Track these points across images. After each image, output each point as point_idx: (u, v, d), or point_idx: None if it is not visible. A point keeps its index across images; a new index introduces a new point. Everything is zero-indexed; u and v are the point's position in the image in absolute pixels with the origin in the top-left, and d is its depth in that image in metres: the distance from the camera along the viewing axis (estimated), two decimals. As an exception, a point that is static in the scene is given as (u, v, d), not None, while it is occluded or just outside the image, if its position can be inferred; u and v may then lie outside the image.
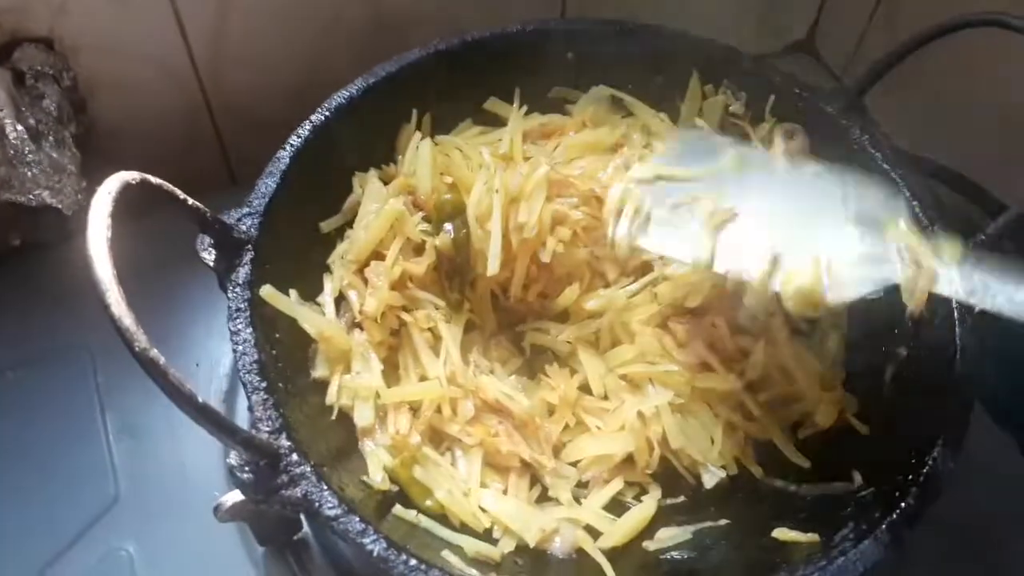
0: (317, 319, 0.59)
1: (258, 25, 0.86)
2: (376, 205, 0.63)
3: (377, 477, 0.56)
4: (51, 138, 0.78)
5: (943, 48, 0.63)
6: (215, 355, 0.74)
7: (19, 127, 0.76)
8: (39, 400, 0.71)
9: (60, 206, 0.77)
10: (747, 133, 0.71)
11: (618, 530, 0.57)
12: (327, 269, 0.63)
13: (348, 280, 0.62)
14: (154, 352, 0.40)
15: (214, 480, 0.68)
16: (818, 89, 0.69)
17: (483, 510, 0.57)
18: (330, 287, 0.62)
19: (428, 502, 0.57)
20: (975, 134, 0.84)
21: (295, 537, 0.66)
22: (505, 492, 0.59)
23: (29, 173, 0.76)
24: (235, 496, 0.57)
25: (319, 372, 0.59)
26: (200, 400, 0.42)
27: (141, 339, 0.40)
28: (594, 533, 0.58)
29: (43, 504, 0.66)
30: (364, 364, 0.59)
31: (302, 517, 0.66)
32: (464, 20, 0.86)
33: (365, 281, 0.62)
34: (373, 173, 0.66)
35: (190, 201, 0.52)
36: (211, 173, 0.94)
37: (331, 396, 0.58)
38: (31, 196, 0.76)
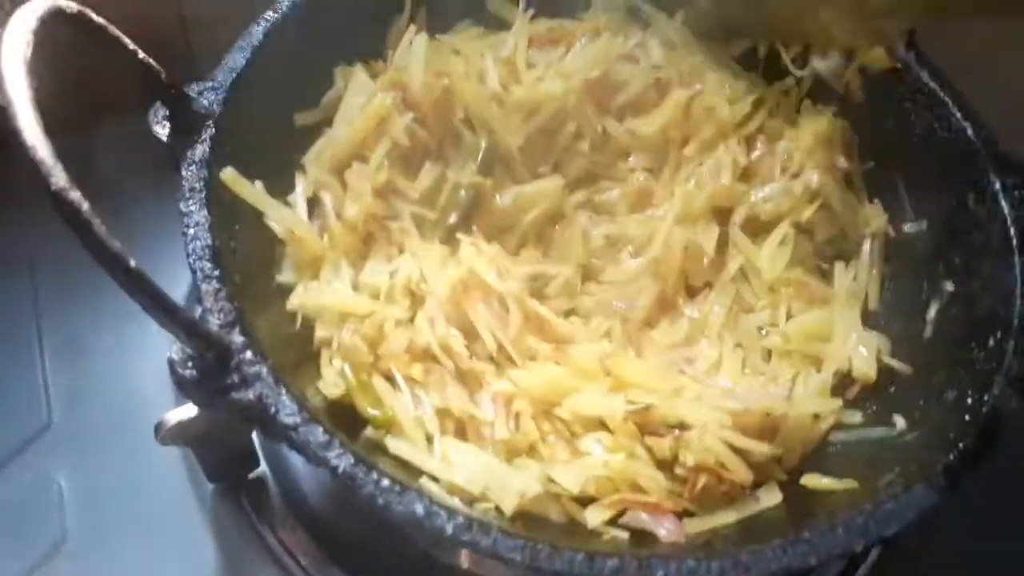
0: (287, 215, 0.51)
1: None
2: (361, 99, 0.56)
3: (329, 381, 0.47)
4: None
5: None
6: (172, 283, 0.65)
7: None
8: (-34, 314, 0.63)
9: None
10: (778, 51, 0.63)
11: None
12: (300, 167, 0.55)
13: (324, 180, 0.54)
14: (76, 194, 0.32)
15: (163, 407, 0.58)
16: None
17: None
18: (303, 187, 0.54)
19: (375, 411, 0.47)
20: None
21: (251, 476, 0.58)
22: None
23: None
24: (180, 414, 0.49)
25: (284, 277, 0.51)
26: (132, 263, 0.34)
27: (60, 176, 0.32)
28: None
29: (-36, 425, 0.58)
30: (335, 272, 0.51)
31: (260, 454, 0.58)
32: None
33: (343, 184, 0.54)
34: (360, 67, 0.58)
35: (141, 54, 0.44)
36: (166, 40, 0.81)
37: (292, 303, 0.50)
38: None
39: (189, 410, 0.49)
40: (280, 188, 0.53)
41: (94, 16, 0.41)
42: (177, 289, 0.63)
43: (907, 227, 0.59)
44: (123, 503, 0.56)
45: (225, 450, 0.54)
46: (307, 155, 0.55)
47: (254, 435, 0.57)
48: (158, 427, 0.49)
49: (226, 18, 0.55)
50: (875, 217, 0.59)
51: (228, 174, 0.48)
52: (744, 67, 0.63)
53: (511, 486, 0.44)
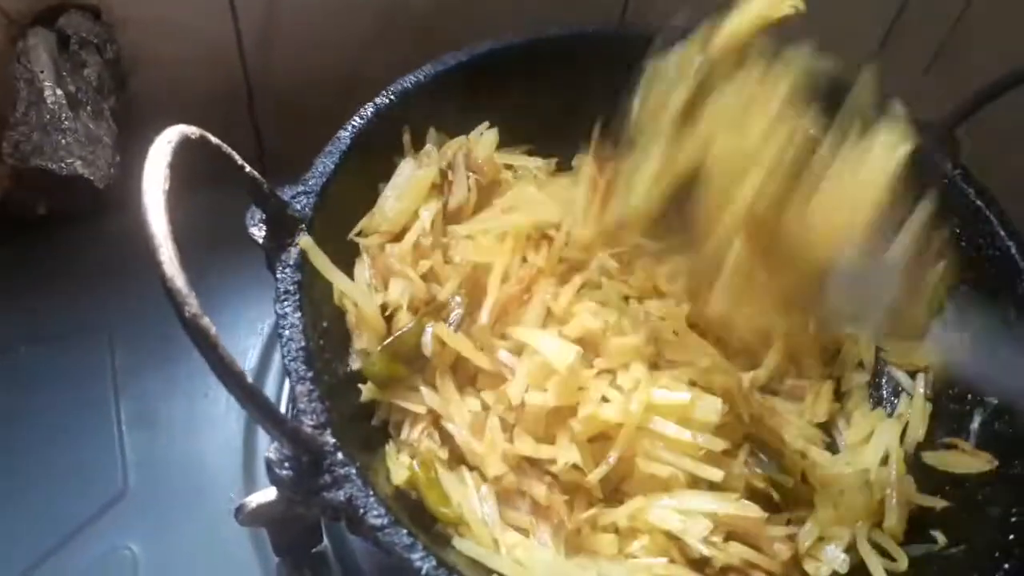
0: (351, 287, 0.54)
1: (310, 13, 0.82)
2: (409, 172, 0.59)
3: (396, 471, 0.50)
4: (89, 108, 0.75)
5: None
6: (241, 346, 0.69)
7: (58, 91, 0.72)
8: (50, 380, 0.66)
9: (92, 177, 0.73)
10: (827, 160, 0.67)
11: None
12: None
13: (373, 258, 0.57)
14: (206, 320, 0.36)
15: (231, 480, 0.63)
16: (908, 118, 0.65)
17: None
18: (364, 262, 0.57)
19: (444, 509, 0.50)
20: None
21: (313, 550, 0.61)
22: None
23: (63, 141, 0.72)
24: (260, 498, 0.52)
25: (358, 345, 0.54)
26: (250, 381, 0.37)
27: (193, 304, 0.35)
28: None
29: (45, 491, 0.61)
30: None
31: (324, 530, 0.61)
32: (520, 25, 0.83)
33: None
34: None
35: (247, 168, 0.48)
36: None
37: (366, 391, 0.53)
38: (63, 164, 0.72)
39: (268, 494, 0.52)
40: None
41: (211, 136, 0.45)
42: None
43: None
44: (194, 573, 0.59)
45: (295, 528, 0.57)
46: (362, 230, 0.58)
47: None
48: (239, 510, 0.52)
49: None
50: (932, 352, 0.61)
51: (306, 242, 0.51)
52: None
53: None
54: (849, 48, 0.93)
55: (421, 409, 0.53)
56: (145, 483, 0.62)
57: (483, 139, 0.64)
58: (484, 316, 0.55)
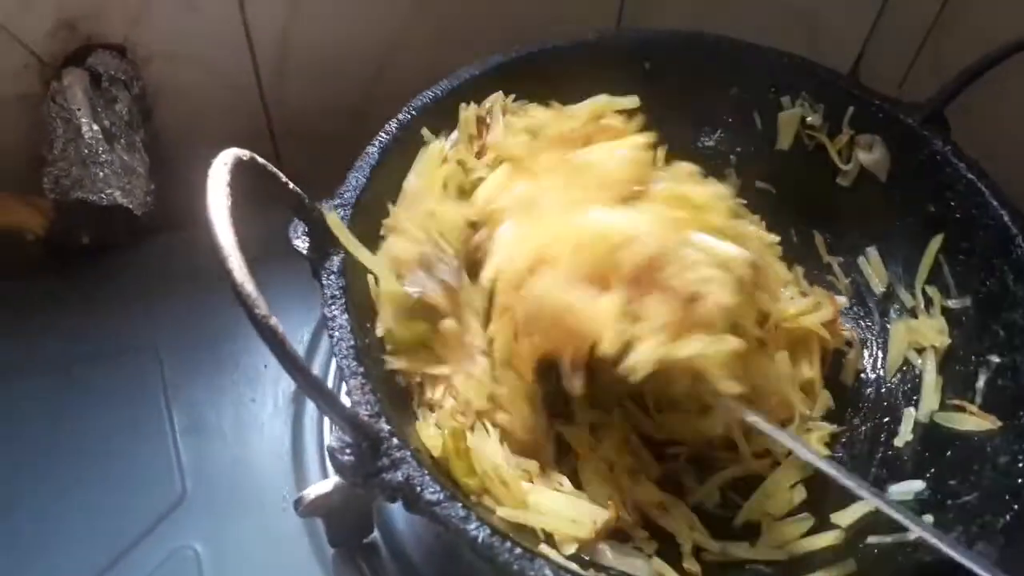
0: (373, 260, 0.56)
1: (323, 40, 0.87)
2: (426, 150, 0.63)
3: (430, 443, 0.53)
4: (123, 141, 0.79)
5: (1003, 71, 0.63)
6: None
7: (95, 127, 0.77)
8: (105, 397, 0.70)
9: (131, 206, 0.78)
10: (824, 145, 0.71)
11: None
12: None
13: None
14: (274, 321, 0.39)
15: (282, 478, 0.67)
16: (897, 101, 0.69)
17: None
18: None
19: (468, 480, 0.53)
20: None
21: (365, 540, 0.64)
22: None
23: (101, 173, 0.77)
24: (317, 489, 0.56)
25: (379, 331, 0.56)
26: (313, 373, 0.41)
27: (262, 306, 0.39)
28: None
29: (109, 501, 0.65)
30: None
31: (374, 522, 0.64)
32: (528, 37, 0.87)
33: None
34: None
35: (291, 185, 0.52)
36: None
37: (391, 364, 0.56)
38: (103, 195, 0.77)
39: (324, 486, 0.56)
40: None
41: (258, 158, 0.49)
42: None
43: (952, 303, 0.65)
44: (255, 566, 0.63)
45: (349, 518, 0.60)
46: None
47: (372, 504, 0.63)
48: (298, 502, 0.56)
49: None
50: (937, 331, 0.64)
51: (332, 218, 0.54)
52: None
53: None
54: (839, 41, 0.99)
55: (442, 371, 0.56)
56: (202, 486, 0.66)
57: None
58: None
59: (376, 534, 0.65)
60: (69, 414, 0.69)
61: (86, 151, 0.76)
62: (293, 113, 0.92)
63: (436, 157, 0.62)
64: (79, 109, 0.76)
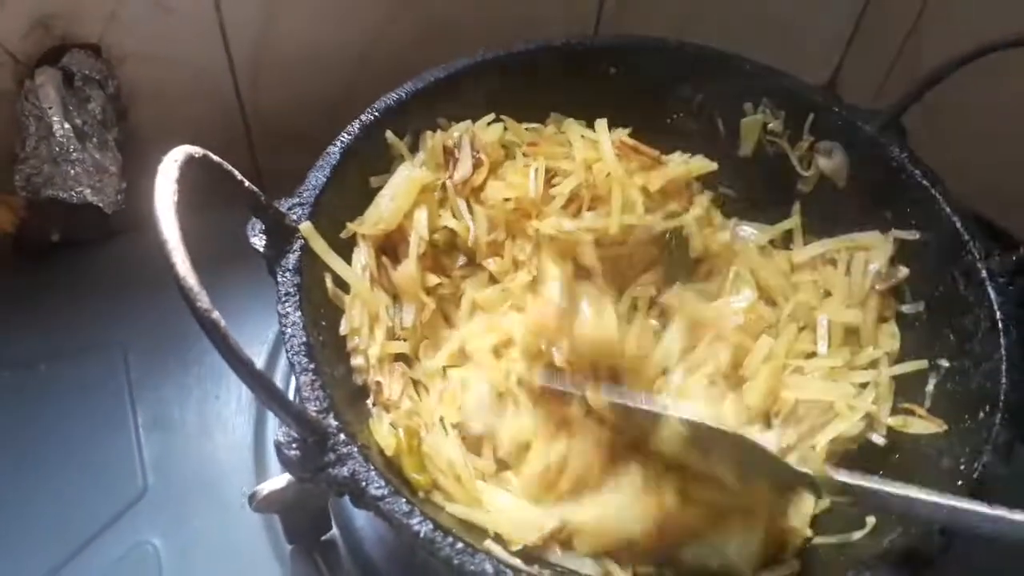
0: (347, 271, 0.58)
1: (299, 40, 0.88)
2: (405, 174, 0.63)
3: (383, 440, 0.54)
4: (95, 139, 0.80)
5: (968, 78, 0.64)
6: (248, 352, 0.73)
7: (66, 125, 0.77)
8: (71, 393, 0.71)
9: (101, 204, 0.78)
10: (785, 151, 0.72)
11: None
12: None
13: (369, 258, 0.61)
14: (216, 314, 0.40)
15: (243, 475, 0.68)
16: (856, 109, 0.70)
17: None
18: (361, 252, 0.61)
19: (418, 476, 0.54)
20: (998, 169, 0.85)
21: (323, 537, 0.65)
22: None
23: (72, 171, 0.77)
24: (271, 485, 0.57)
25: (343, 329, 0.58)
26: (257, 368, 0.42)
27: (204, 300, 0.40)
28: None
29: (71, 494, 0.66)
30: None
31: (332, 517, 0.65)
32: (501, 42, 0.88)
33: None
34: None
35: (247, 183, 0.52)
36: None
37: (354, 362, 0.58)
38: (73, 193, 0.77)
39: (278, 482, 0.57)
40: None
41: (212, 155, 0.49)
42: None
43: (906, 308, 0.66)
44: (213, 562, 0.63)
45: (305, 515, 0.61)
46: (361, 226, 0.62)
47: (329, 502, 0.64)
48: (252, 497, 0.57)
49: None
50: (889, 338, 0.65)
51: (306, 227, 0.56)
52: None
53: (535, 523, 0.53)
54: (817, 52, 1.00)
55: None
56: (163, 482, 0.67)
57: (488, 127, 0.68)
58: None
59: (335, 531, 0.65)
60: (35, 409, 0.70)
61: (57, 149, 0.77)
62: (269, 112, 0.93)
63: (414, 186, 0.63)
64: (50, 108, 0.77)
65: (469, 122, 0.67)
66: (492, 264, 0.63)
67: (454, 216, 0.63)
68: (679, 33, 0.74)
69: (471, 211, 0.63)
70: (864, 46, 1.04)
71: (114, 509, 0.65)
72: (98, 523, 0.64)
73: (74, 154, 0.77)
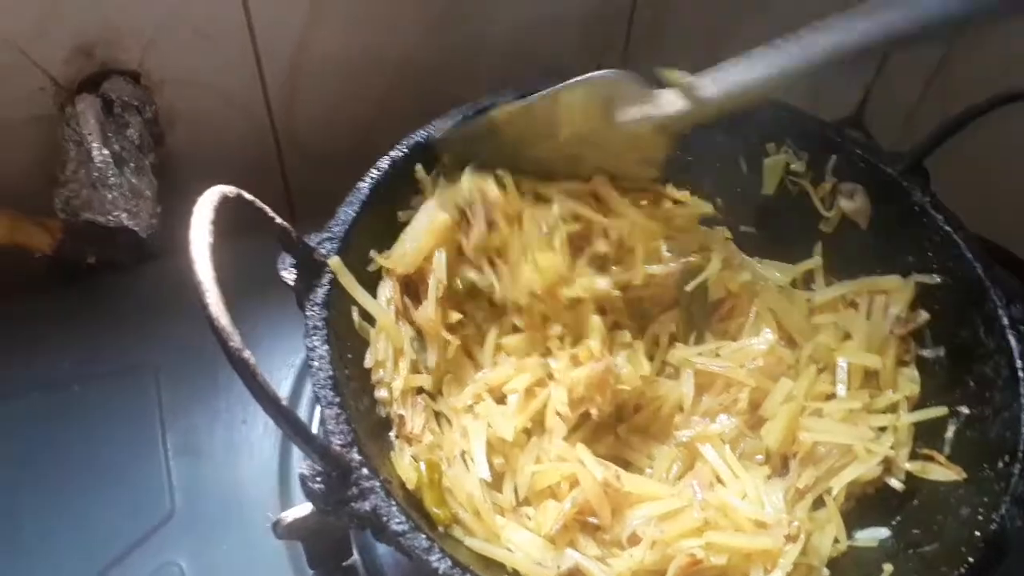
0: (373, 305, 0.60)
1: (332, 64, 0.90)
2: (428, 216, 0.64)
3: (404, 473, 0.55)
4: (132, 164, 0.82)
5: (995, 122, 0.65)
6: (275, 378, 0.75)
7: (105, 151, 0.79)
8: (103, 415, 0.73)
9: (136, 228, 0.80)
10: (807, 192, 0.72)
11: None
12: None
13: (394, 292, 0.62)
14: (247, 353, 0.42)
15: (268, 501, 0.69)
16: (880, 151, 0.70)
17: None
18: (387, 286, 0.62)
19: (438, 511, 0.55)
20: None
21: (344, 563, 0.66)
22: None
23: (110, 196, 0.80)
24: (295, 513, 0.58)
25: (368, 362, 0.60)
26: (285, 404, 0.43)
27: (236, 339, 0.41)
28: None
29: (100, 514, 0.68)
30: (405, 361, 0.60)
31: (353, 544, 0.66)
32: (529, 63, 0.89)
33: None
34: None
35: (278, 219, 0.54)
36: (273, 208, 0.98)
37: (379, 395, 0.59)
38: (110, 217, 0.79)
39: (302, 510, 0.58)
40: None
41: (245, 194, 0.51)
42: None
43: (926, 352, 0.66)
44: (236, 586, 0.65)
45: (327, 541, 0.62)
46: (388, 260, 0.63)
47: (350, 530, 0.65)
48: (276, 524, 0.58)
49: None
50: (909, 382, 0.65)
51: (335, 263, 0.57)
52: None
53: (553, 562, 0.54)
54: (843, 84, 1.00)
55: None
56: (190, 505, 0.68)
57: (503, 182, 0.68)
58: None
59: (356, 557, 0.66)
60: (68, 430, 0.72)
61: (96, 174, 0.79)
62: (301, 134, 0.95)
63: (435, 230, 0.63)
64: (90, 135, 0.79)
65: (483, 178, 0.66)
66: (518, 319, 0.64)
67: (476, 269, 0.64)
68: (701, 67, 0.75)
69: (494, 268, 0.63)
70: (892, 77, 1.04)
71: (142, 530, 0.67)
72: (126, 543, 0.66)
73: (112, 179, 0.80)
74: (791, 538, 0.55)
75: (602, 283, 0.62)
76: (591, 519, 0.56)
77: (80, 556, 0.65)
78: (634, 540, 0.55)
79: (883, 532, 0.59)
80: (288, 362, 0.76)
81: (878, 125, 1.07)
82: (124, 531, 0.66)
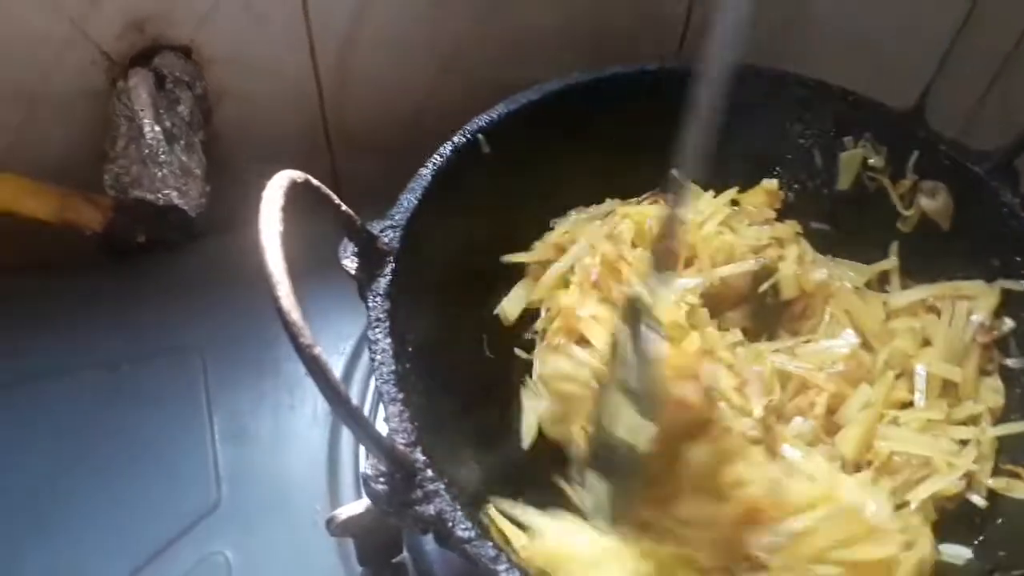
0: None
1: (383, 52, 0.87)
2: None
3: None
4: (183, 142, 0.80)
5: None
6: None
7: (156, 128, 0.78)
8: (150, 396, 0.71)
9: (186, 207, 0.79)
10: (885, 188, 0.69)
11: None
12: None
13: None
14: (318, 350, 0.39)
15: (316, 493, 0.67)
16: (966, 148, 0.66)
17: None
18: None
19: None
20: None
21: (394, 560, 0.64)
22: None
23: (160, 173, 0.78)
24: (350, 510, 0.56)
25: None
26: (353, 402, 0.41)
27: (307, 335, 0.39)
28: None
29: (145, 501, 0.66)
30: None
31: (404, 543, 0.64)
32: (587, 52, 0.86)
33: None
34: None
35: (343, 206, 0.52)
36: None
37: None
38: (160, 195, 0.78)
39: (356, 507, 0.57)
40: (453, 299, 0.61)
41: (312, 180, 0.49)
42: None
43: (1011, 362, 0.63)
44: (283, 577, 0.63)
45: (379, 540, 0.60)
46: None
47: (402, 526, 0.63)
48: (330, 521, 0.56)
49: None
50: (992, 393, 0.62)
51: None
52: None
53: None
54: (905, 76, 0.96)
55: None
56: (236, 494, 0.67)
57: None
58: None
59: (405, 554, 0.64)
60: (113, 411, 0.71)
61: (147, 151, 0.78)
62: (352, 121, 0.93)
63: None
64: (142, 110, 0.77)
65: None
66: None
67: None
68: (761, 56, 0.72)
69: None
70: (956, 71, 1.00)
71: (188, 518, 0.65)
72: (172, 531, 0.64)
73: (162, 156, 0.78)
74: (908, 545, 0.52)
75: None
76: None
77: (125, 543, 0.64)
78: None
79: (966, 552, 0.56)
80: (339, 349, 0.75)
81: (937, 122, 1.03)
82: (169, 519, 0.65)
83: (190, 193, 0.80)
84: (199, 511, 0.66)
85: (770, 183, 0.69)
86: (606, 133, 0.68)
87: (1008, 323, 0.63)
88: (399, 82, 0.90)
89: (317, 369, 0.40)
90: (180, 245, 0.81)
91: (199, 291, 0.77)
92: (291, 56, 0.85)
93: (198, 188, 0.81)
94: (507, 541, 0.51)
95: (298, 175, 0.47)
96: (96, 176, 0.79)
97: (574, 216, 0.69)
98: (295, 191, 0.46)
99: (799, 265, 0.65)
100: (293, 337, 0.39)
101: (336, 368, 0.73)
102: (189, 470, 0.68)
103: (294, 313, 0.40)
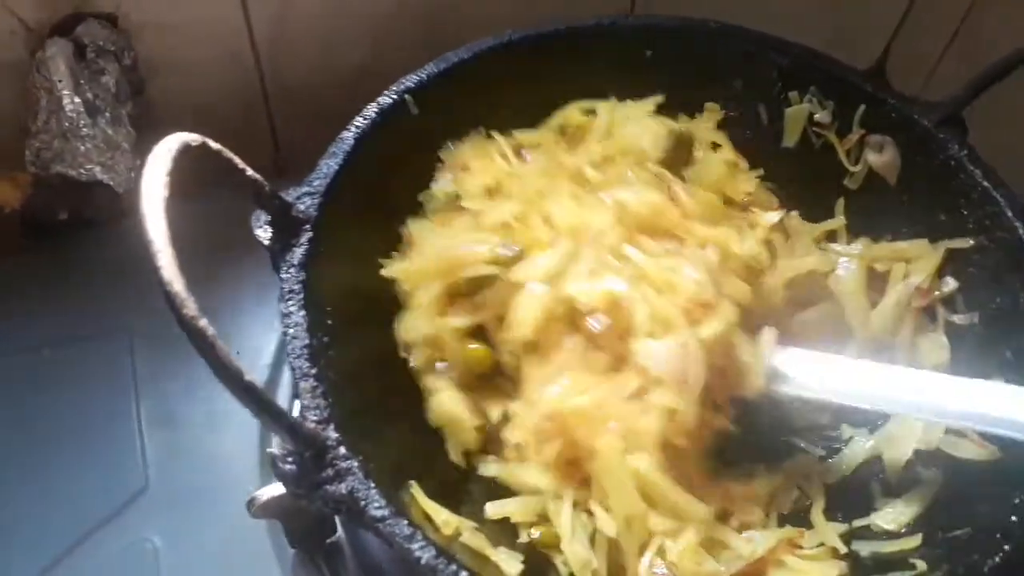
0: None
1: (321, 11, 0.84)
2: None
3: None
4: (107, 114, 0.77)
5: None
6: (258, 343, 0.71)
7: (76, 99, 0.74)
8: (73, 381, 0.69)
9: (111, 183, 0.75)
10: (832, 144, 0.67)
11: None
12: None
13: None
14: (203, 322, 0.37)
15: (247, 476, 0.65)
16: (913, 101, 0.64)
17: None
18: None
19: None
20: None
21: (328, 541, 0.62)
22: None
23: (82, 147, 0.74)
24: (270, 491, 0.54)
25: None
26: (248, 378, 0.38)
27: (191, 306, 0.37)
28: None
29: (70, 486, 0.64)
30: None
31: (337, 520, 0.62)
32: (533, 17, 0.83)
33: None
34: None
35: (249, 172, 0.49)
36: (260, 164, 0.93)
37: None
38: (83, 171, 0.74)
39: (277, 488, 0.54)
40: (368, 271, 0.58)
41: (211, 142, 0.46)
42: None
43: (957, 318, 0.61)
44: (213, 563, 0.61)
45: (308, 520, 0.58)
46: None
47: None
48: (250, 503, 0.54)
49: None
50: (938, 349, 0.61)
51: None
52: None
53: None
54: (868, 23, 0.94)
55: None
56: (165, 479, 0.64)
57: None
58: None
59: (340, 533, 0.62)
60: (37, 396, 0.68)
61: (67, 124, 0.74)
62: (289, 83, 0.89)
63: None
64: (60, 81, 0.74)
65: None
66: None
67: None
68: (715, 13, 0.69)
69: None
70: (916, 28, 0.98)
71: (114, 504, 0.63)
72: (98, 517, 0.62)
73: (84, 129, 0.74)
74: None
75: None
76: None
77: (49, 529, 0.62)
78: None
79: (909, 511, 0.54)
80: (273, 326, 0.71)
81: (899, 80, 1.01)
82: (94, 505, 0.63)
83: (116, 168, 0.76)
84: (124, 497, 0.63)
85: (712, 106, 0.68)
86: (537, 93, 0.65)
87: (951, 283, 0.61)
88: (339, 41, 0.86)
89: (202, 341, 0.37)
90: (108, 223, 0.78)
91: (127, 272, 0.72)
92: (225, 18, 0.81)
93: (126, 163, 0.77)
94: (428, 519, 0.49)
95: (193, 137, 0.44)
96: (19, 153, 0.76)
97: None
98: (190, 155, 0.43)
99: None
100: (175, 308, 0.37)
101: (269, 347, 0.71)
102: (115, 455, 0.65)
103: (176, 284, 0.37)
